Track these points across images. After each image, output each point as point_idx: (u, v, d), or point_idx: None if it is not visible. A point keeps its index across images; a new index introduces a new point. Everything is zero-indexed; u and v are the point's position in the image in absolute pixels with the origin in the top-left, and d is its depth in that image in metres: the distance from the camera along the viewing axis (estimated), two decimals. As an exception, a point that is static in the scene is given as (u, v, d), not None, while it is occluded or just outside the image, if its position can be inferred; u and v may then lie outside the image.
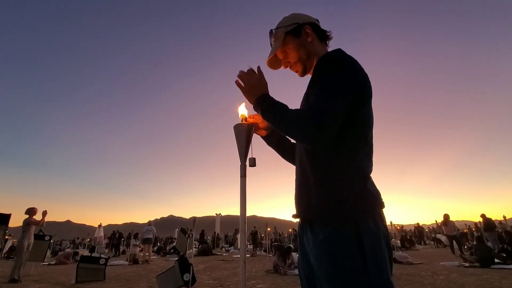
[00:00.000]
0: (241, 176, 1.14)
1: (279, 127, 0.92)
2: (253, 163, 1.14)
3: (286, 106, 0.94)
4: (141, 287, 5.41)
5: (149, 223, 11.21)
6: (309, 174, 0.91)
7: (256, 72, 1.03)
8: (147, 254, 10.67)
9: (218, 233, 23.17)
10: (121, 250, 15.97)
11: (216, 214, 27.08)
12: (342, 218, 0.81)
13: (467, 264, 7.05)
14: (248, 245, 18.28)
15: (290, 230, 18.34)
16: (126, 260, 10.64)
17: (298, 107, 0.98)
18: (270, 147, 1.25)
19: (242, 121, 1.21)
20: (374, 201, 0.85)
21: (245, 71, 1.04)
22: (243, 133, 1.18)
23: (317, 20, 1.09)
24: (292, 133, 0.88)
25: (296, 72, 1.10)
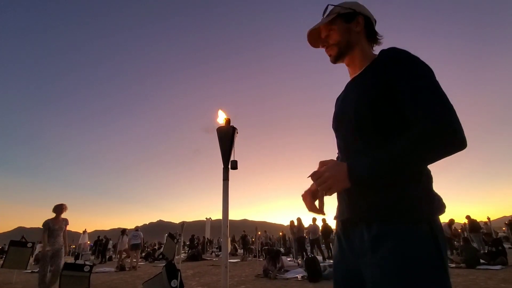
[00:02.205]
0: (223, 180, 1.12)
1: (419, 164, 0.78)
2: (234, 165, 1.12)
3: (389, 148, 0.77)
4: (127, 295, 5.26)
5: (136, 228, 10.99)
6: None
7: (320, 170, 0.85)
8: (134, 260, 10.42)
9: (208, 238, 22.90)
10: (107, 256, 15.56)
11: (206, 218, 26.80)
12: (417, 216, 0.78)
13: (453, 265, 7.18)
14: (239, 250, 18.14)
15: (280, 233, 18.29)
16: (115, 267, 10.37)
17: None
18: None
19: (224, 123, 1.19)
20: (440, 201, 0.83)
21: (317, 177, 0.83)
22: (226, 136, 1.16)
23: (375, 21, 1.05)
24: (439, 156, 0.74)
25: (330, 56, 1.04)
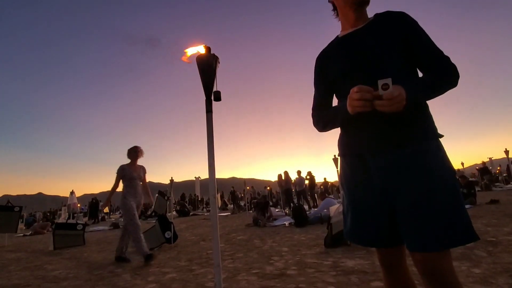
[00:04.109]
0: (207, 112, 1.04)
1: (440, 94, 1.00)
2: (217, 96, 1.03)
3: (424, 77, 1.00)
4: (122, 248, 5.45)
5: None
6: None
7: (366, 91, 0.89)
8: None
9: (198, 195, 23.56)
10: (100, 217, 15.88)
11: (195, 177, 27.26)
12: (436, 134, 1.01)
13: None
14: (229, 205, 18.93)
15: (268, 188, 19.10)
16: (109, 226, 10.64)
17: None
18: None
19: (204, 51, 1.07)
20: None
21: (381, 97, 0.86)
22: (207, 65, 1.05)
23: None
24: (450, 88, 1.00)
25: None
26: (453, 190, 0.92)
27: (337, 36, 1.20)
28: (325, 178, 19.30)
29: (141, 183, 4.39)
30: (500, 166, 18.66)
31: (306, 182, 12.68)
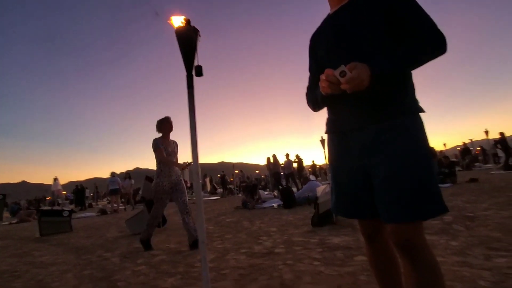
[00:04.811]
0: (188, 88, 1.00)
1: (420, 64, 0.98)
2: (199, 71, 0.99)
3: (401, 48, 0.96)
4: (111, 233, 5.44)
5: (113, 174, 10.91)
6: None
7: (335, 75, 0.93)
8: (115, 205, 10.61)
9: (186, 180, 23.52)
10: (87, 204, 15.68)
11: (184, 162, 27.13)
12: (416, 108, 1.02)
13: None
14: (219, 189, 19.04)
15: (257, 171, 19.26)
16: (97, 212, 10.53)
17: None
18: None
19: (184, 23, 1.02)
20: None
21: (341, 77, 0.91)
22: (187, 38, 1.00)
23: None
24: (436, 55, 0.97)
25: None
26: (425, 165, 0.96)
27: (328, 13, 1.21)
28: (313, 161, 19.62)
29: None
30: (480, 146, 19.51)
31: (295, 165, 12.86)
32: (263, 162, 13.03)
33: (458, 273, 1.82)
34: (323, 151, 3.97)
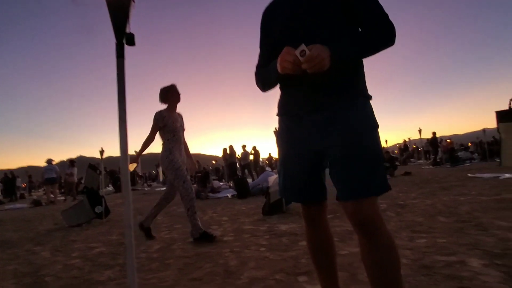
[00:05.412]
0: (117, 57, 0.90)
1: (373, 52, 1.01)
2: (130, 39, 0.90)
3: (358, 36, 1.02)
4: (44, 226, 4.89)
5: (49, 161, 9.74)
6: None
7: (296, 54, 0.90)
8: (52, 196, 9.58)
9: (136, 171, 22.22)
10: (18, 194, 13.91)
11: (135, 152, 25.55)
12: (366, 93, 1.07)
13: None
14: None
15: (214, 162, 19.05)
16: (29, 203, 9.38)
17: None
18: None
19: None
20: None
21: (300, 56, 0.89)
22: (116, 1, 0.89)
23: None
24: (387, 45, 1.02)
25: None
26: (378, 142, 1.03)
27: None
28: (270, 153, 20.03)
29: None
30: (414, 144, 22.03)
31: (252, 157, 12.99)
32: (220, 153, 12.90)
33: (386, 253, 2.01)
34: (276, 142, 4.04)
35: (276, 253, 2.28)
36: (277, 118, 1.21)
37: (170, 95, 3.09)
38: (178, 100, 3.14)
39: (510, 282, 1.43)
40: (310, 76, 0.93)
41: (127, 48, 0.98)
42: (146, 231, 3.17)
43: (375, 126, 1.05)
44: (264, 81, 1.18)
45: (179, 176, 2.92)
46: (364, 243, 0.98)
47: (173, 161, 2.93)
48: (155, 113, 3.02)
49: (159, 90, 3.13)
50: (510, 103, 3.70)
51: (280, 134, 1.18)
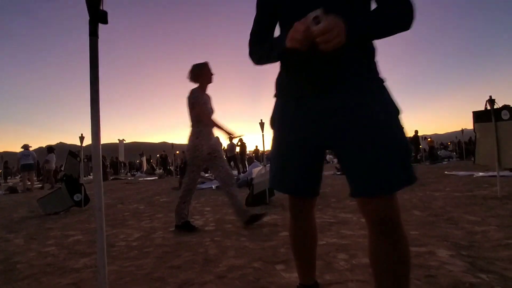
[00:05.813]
0: (90, 35, 0.87)
1: (391, 33, 0.89)
2: (103, 16, 0.86)
3: (374, 13, 0.88)
4: (18, 213, 4.73)
5: (25, 147, 9.34)
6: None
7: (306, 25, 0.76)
8: (28, 183, 9.23)
9: (119, 159, 21.82)
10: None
11: (119, 140, 24.97)
12: (381, 77, 0.94)
13: (339, 173, 8.92)
14: (158, 170, 18.14)
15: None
16: (4, 190, 9.00)
17: None
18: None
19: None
20: None
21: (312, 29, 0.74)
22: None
23: None
24: (403, 30, 0.88)
25: None
26: (401, 133, 0.89)
27: None
28: (256, 146, 20.06)
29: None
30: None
31: (238, 149, 12.98)
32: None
33: (361, 244, 2.08)
34: (261, 134, 4.04)
35: (256, 242, 2.30)
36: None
37: (203, 74, 2.84)
38: (210, 80, 2.89)
39: (473, 271, 1.52)
40: (319, 53, 0.79)
41: (105, 28, 0.95)
42: (188, 227, 2.86)
43: (397, 111, 0.91)
44: (261, 54, 1.04)
45: (190, 167, 2.90)
46: (381, 241, 0.87)
47: (196, 148, 2.79)
48: (190, 91, 2.80)
49: (190, 67, 2.87)
50: (486, 104, 3.84)
51: (278, 119, 1.05)
